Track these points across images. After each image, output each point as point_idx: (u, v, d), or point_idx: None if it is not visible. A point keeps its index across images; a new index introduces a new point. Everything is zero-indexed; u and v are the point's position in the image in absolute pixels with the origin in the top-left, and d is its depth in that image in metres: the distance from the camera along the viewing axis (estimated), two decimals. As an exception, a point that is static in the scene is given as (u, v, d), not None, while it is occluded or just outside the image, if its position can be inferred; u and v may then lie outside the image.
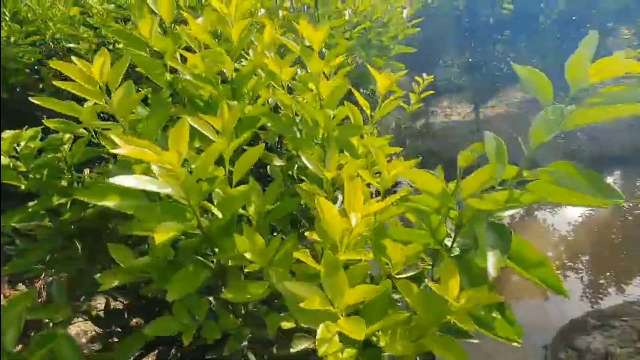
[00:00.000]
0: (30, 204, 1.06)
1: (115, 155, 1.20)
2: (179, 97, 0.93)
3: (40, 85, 2.42)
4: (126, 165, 0.85)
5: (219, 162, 0.70)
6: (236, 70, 0.90)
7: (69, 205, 1.08)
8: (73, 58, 0.60)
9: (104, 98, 0.63)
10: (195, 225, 0.60)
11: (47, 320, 1.05)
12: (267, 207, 0.73)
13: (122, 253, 0.78)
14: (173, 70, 0.91)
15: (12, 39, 2.38)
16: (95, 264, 1.15)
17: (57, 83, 0.61)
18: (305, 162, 0.72)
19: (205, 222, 0.65)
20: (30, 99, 0.94)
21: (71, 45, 2.32)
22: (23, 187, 1.07)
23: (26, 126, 1.07)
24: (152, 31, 0.81)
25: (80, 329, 2.59)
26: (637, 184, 4.88)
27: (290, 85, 0.94)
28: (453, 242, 0.72)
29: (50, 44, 2.65)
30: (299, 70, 1.06)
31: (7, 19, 2.47)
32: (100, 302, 2.24)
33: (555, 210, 4.42)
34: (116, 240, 1.10)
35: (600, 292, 3.25)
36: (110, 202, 0.61)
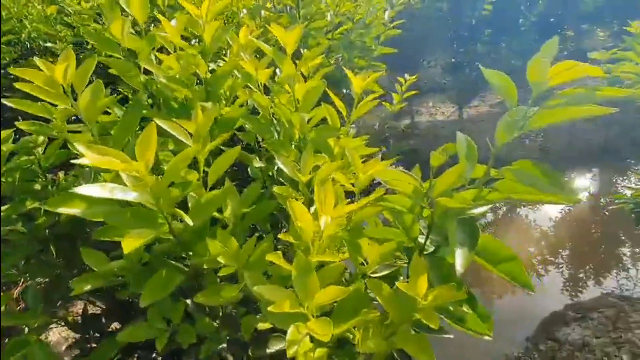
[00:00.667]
0: (3, 208, 1.03)
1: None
2: (155, 98, 0.92)
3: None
4: (94, 173, 0.84)
5: (194, 165, 0.69)
6: (212, 71, 0.90)
7: (43, 210, 1.06)
8: (37, 61, 0.59)
9: (70, 101, 0.62)
10: (167, 231, 0.60)
11: (23, 327, 1.03)
12: (243, 210, 0.73)
13: (95, 257, 0.77)
14: (148, 72, 0.90)
15: (-16, 38, 2.31)
16: (72, 269, 1.13)
17: (18, 85, 0.59)
18: (281, 165, 0.72)
19: (179, 225, 0.65)
20: (3, 100, 0.92)
21: (48, 44, 2.26)
22: (-7, 191, 1.04)
23: (-3, 128, 1.03)
24: (125, 32, 0.80)
25: (61, 336, 2.53)
26: (613, 180, 5.05)
27: (267, 85, 0.94)
28: (426, 240, 0.73)
29: (27, 43, 2.57)
30: (277, 71, 1.07)
31: (-20, 18, 2.39)
32: (79, 307, 2.19)
33: (537, 207, 4.53)
34: (92, 245, 1.09)
35: (579, 285, 3.36)
36: (76, 210, 0.60)
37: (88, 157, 0.45)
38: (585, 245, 3.95)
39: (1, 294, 0.99)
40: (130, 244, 0.48)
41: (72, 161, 0.45)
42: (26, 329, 1.03)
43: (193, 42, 1.28)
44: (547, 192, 0.54)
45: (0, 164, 1.00)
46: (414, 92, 2.24)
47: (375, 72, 2.07)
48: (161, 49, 0.94)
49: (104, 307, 1.18)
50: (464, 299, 0.64)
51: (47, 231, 1.07)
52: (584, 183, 4.73)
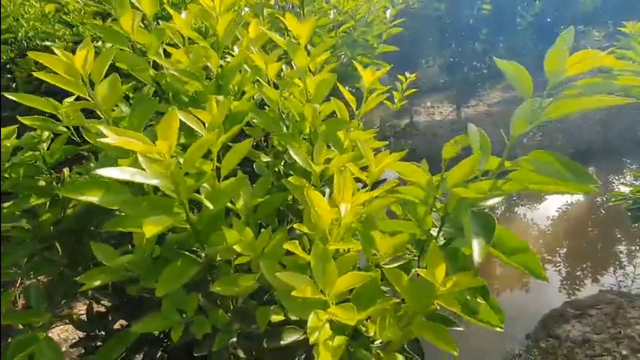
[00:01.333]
0: (6, 204, 1.02)
1: (96, 154, 1.17)
2: (163, 93, 0.91)
3: (14, 85, 2.32)
4: (110, 162, 0.83)
5: (207, 156, 0.69)
6: (221, 66, 0.90)
7: (47, 206, 1.05)
8: (55, 49, 0.59)
9: (87, 91, 0.61)
10: (184, 219, 0.59)
11: (20, 326, 1.02)
12: (255, 201, 0.72)
13: (105, 251, 0.76)
14: (156, 66, 0.90)
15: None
16: (76, 266, 1.12)
17: (38, 74, 0.59)
18: (294, 155, 0.72)
19: (194, 216, 0.65)
20: (6, 94, 0.91)
21: (47, 43, 2.24)
22: (-3, 187, 1.03)
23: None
24: (134, 26, 0.79)
25: (61, 337, 2.50)
26: (609, 177, 5.10)
27: (275, 81, 0.94)
28: (439, 232, 0.73)
29: (24, 42, 2.55)
30: (284, 66, 1.06)
31: (-25, 16, 2.36)
32: (80, 309, 2.17)
33: (534, 206, 4.56)
34: (98, 241, 1.08)
35: (578, 282, 3.39)
36: (94, 197, 0.59)
37: (112, 137, 0.45)
38: (583, 243, 3.99)
39: (1, 293, 0.97)
40: (150, 230, 0.48)
41: (98, 140, 0.44)
42: (23, 328, 1.01)
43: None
44: (565, 180, 0.55)
45: (1, 161, 0.99)
46: (414, 90, 2.25)
47: (378, 69, 2.08)
48: (167, 45, 0.94)
49: (110, 304, 1.17)
50: (478, 288, 0.65)
51: (51, 228, 1.06)
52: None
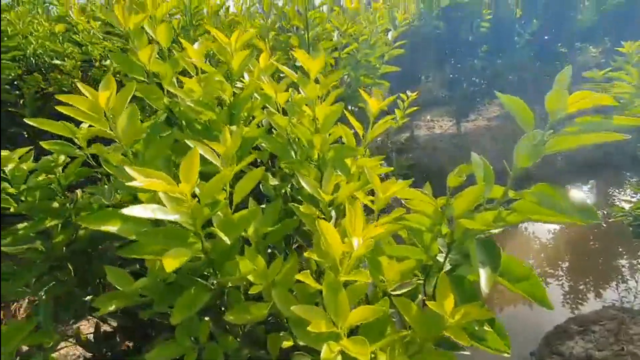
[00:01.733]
0: (21, 226, 1.04)
1: (109, 175, 1.20)
2: (176, 119, 0.94)
3: (21, 101, 2.37)
4: (122, 185, 0.86)
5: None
6: (234, 93, 0.93)
7: (60, 227, 1.07)
8: (80, 86, 0.62)
9: (109, 124, 0.64)
10: (200, 249, 0.61)
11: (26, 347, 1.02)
12: (266, 229, 0.75)
13: (120, 276, 0.78)
14: (170, 94, 0.93)
15: (-10, 54, 2.33)
16: (86, 286, 1.13)
17: (61, 109, 0.62)
18: (304, 184, 0.75)
19: (208, 245, 0.67)
20: (27, 120, 0.94)
21: (56, 62, 2.30)
22: (12, 209, 1.05)
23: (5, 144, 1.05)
24: (152, 58, 0.83)
25: (60, 353, 2.48)
26: (609, 192, 5.12)
27: (284, 107, 0.97)
28: (445, 259, 0.75)
29: (32, 59, 2.61)
30: (291, 91, 1.10)
31: (-16, 34, 2.43)
32: (85, 326, 2.16)
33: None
34: (108, 262, 1.09)
35: (580, 298, 3.37)
36: (113, 227, 0.62)
37: (140, 180, 0.48)
38: (585, 258, 3.98)
39: (1, 309, 0.98)
40: (171, 264, 0.50)
41: (127, 184, 0.47)
42: (29, 348, 1.02)
43: (206, 61, 1.32)
44: (566, 214, 0.57)
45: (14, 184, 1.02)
46: (415, 108, 2.30)
47: (380, 89, 2.13)
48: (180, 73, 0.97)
49: (117, 325, 1.18)
50: (487, 318, 0.66)
51: (63, 249, 1.07)
52: (582, 195, 4.79)
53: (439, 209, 0.71)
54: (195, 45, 0.91)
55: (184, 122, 0.89)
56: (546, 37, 4.95)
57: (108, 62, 2.36)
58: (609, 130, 0.57)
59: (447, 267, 0.79)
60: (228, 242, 0.59)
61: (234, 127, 0.81)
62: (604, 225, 4.40)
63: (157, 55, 0.91)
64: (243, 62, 0.83)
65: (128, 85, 0.66)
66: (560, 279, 3.67)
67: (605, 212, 4.51)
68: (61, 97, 0.59)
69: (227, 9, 2.00)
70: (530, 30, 4.94)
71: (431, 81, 6.36)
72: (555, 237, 4.34)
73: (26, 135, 2.36)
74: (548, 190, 0.61)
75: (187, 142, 0.67)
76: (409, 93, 2.31)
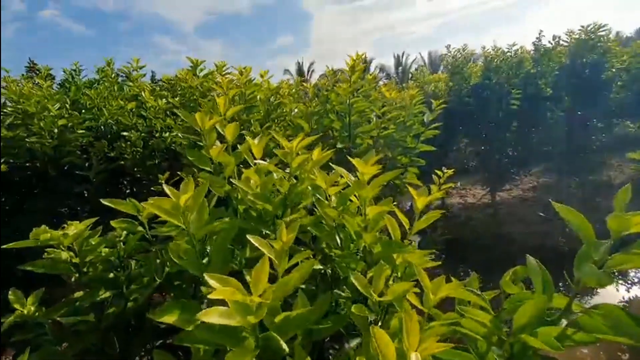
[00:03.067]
0: (77, 296, 1.10)
1: (162, 251, 1.27)
2: (234, 204, 1.02)
3: (86, 164, 2.65)
4: (171, 261, 0.91)
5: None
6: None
7: (112, 298, 1.12)
8: (166, 188, 0.71)
9: (184, 220, 0.71)
10: (252, 348, 0.62)
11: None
12: (311, 326, 0.75)
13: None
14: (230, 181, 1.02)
15: (70, 125, 2.68)
16: (130, 357, 1.14)
17: (149, 206, 0.70)
18: (356, 284, 0.76)
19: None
20: (102, 200, 1.06)
21: (124, 133, 2.59)
22: (73, 278, 1.12)
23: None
24: (219, 153, 0.94)
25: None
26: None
27: (333, 197, 1.03)
28: (504, 373, 0.71)
29: (102, 127, 2.96)
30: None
31: (68, 106, 2.82)
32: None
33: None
34: (149, 337, 1.11)
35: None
36: (172, 318, 0.66)
37: (217, 287, 0.52)
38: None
39: None
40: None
41: (208, 296, 0.51)
42: None
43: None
44: (630, 337, 0.54)
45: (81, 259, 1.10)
46: (451, 184, 2.32)
47: (416, 165, 2.17)
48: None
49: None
50: None
51: (112, 320, 1.11)
52: None
53: (496, 319, 0.69)
54: (256, 141, 1.02)
55: (241, 208, 0.96)
56: (579, 113, 4.98)
57: (167, 134, 2.64)
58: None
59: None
60: (284, 345, 0.60)
61: (288, 218, 0.86)
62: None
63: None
64: (301, 163, 0.92)
65: (202, 186, 0.74)
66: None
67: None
68: (147, 205, 0.67)
69: (278, 94, 2.22)
70: (563, 108, 5.01)
71: (463, 152, 6.44)
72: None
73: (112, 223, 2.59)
74: (617, 313, 0.59)
75: (249, 237, 0.72)
76: (444, 169, 2.35)
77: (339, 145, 1.70)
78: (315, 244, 1.30)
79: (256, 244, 0.72)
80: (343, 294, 0.99)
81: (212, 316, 0.53)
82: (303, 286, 0.90)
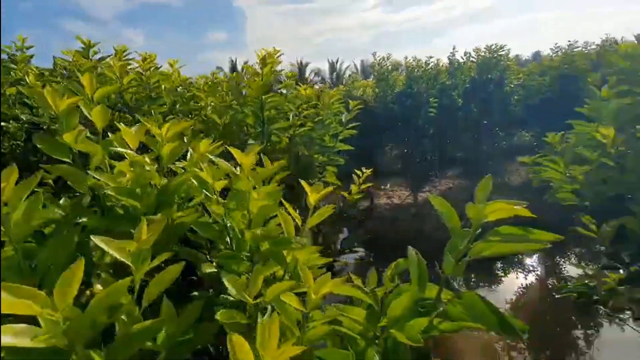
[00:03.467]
0: None
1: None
2: (102, 203, 0.87)
3: None
4: None
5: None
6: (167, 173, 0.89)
7: None
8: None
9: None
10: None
11: None
12: (179, 338, 0.65)
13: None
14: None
15: None
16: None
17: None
18: (227, 284, 0.68)
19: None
20: None
21: (2, 124, 2.16)
22: None
23: None
24: (79, 139, 0.79)
25: None
26: (556, 260, 5.38)
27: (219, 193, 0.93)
28: (380, 369, 0.69)
29: None
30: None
31: None
32: None
33: (493, 288, 4.62)
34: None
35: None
36: None
37: (8, 303, 0.39)
38: (540, 331, 3.99)
39: None
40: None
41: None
42: None
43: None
44: (492, 326, 0.55)
45: None
46: (370, 184, 2.39)
47: (335, 164, 2.17)
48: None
49: None
50: None
51: None
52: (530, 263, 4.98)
53: (371, 315, 0.67)
54: (133, 128, 0.88)
55: (105, 206, 0.82)
56: (485, 122, 5.60)
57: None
58: (526, 242, 0.59)
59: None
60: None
61: (158, 216, 0.75)
62: (555, 295, 4.52)
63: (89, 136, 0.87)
64: (173, 151, 0.81)
65: (31, 178, 0.59)
66: (521, 352, 3.60)
67: (553, 281, 4.67)
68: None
69: (189, 84, 2.05)
70: (471, 118, 5.60)
71: (388, 154, 6.81)
72: (511, 309, 4.37)
73: None
74: (476, 302, 0.60)
75: (93, 238, 0.60)
76: (364, 169, 2.41)
77: (251, 142, 1.61)
78: (213, 244, 1.19)
79: (102, 245, 0.60)
80: (231, 297, 0.90)
81: (5, 336, 0.40)
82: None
